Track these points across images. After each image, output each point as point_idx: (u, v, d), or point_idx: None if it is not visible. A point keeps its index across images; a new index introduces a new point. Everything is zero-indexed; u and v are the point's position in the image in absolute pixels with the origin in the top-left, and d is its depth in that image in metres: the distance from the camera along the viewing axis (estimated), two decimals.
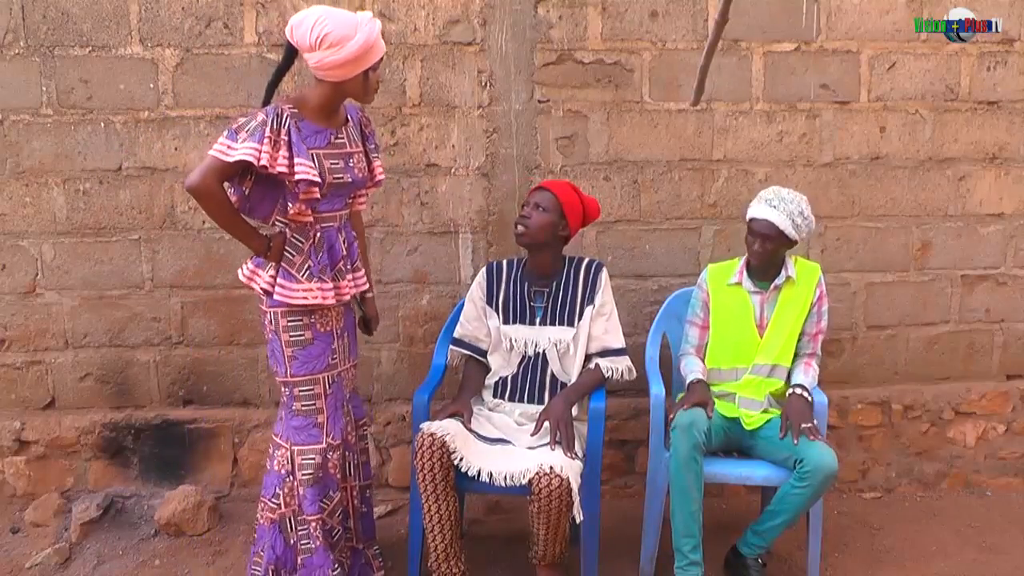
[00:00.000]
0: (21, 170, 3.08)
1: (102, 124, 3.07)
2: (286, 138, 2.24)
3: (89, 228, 3.13)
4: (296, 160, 2.23)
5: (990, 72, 3.24)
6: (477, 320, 2.79)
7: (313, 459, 2.40)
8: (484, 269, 2.83)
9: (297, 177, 2.23)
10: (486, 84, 3.11)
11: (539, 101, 3.13)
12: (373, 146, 2.54)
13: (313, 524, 2.40)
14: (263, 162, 2.20)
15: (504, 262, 2.83)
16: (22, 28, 2.99)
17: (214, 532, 3.06)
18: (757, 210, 2.69)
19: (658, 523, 2.70)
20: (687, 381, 2.74)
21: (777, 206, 2.66)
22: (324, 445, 2.41)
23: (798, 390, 2.66)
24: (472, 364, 2.81)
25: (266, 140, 2.21)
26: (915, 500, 3.34)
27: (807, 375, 2.73)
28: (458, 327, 2.82)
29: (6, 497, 3.23)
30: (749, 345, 2.75)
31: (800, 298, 2.75)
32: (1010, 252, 3.37)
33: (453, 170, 3.16)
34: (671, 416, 2.60)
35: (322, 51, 2.21)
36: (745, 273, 2.79)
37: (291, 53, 2.31)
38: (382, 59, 2.33)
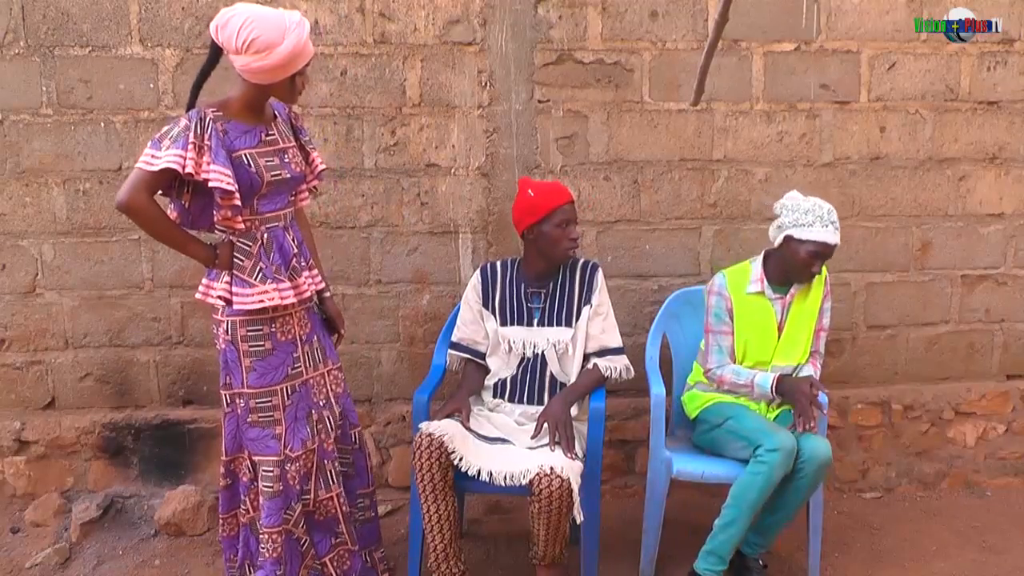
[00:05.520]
0: (21, 170, 3.08)
1: (102, 124, 3.07)
2: (209, 143, 2.16)
3: (89, 228, 3.13)
4: (212, 167, 2.15)
5: (990, 72, 3.24)
6: (474, 323, 2.78)
7: (271, 471, 2.34)
8: (478, 271, 2.82)
9: (211, 184, 2.15)
10: (486, 84, 3.11)
11: (539, 101, 3.13)
12: (307, 138, 2.48)
13: (267, 535, 2.34)
14: (188, 169, 2.12)
15: (498, 263, 2.82)
16: (22, 28, 3.00)
17: (214, 532, 3.04)
18: (825, 235, 2.58)
19: (658, 523, 2.70)
20: (769, 384, 2.63)
21: (838, 227, 2.62)
22: (281, 457, 2.35)
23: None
24: (471, 366, 2.81)
25: (190, 146, 2.13)
26: (915, 500, 3.34)
27: (815, 374, 2.74)
28: (456, 330, 2.82)
29: (6, 497, 3.23)
30: (769, 346, 2.74)
31: (812, 297, 2.75)
32: (1010, 252, 3.37)
33: (453, 170, 3.16)
34: (803, 424, 2.54)
35: (247, 56, 2.14)
36: (766, 281, 2.73)
37: (216, 52, 2.25)
38: (310, 62, 2.26)
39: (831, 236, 2.60)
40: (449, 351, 2.84)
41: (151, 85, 3.05)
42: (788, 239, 2.63)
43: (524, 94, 3.12)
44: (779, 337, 2.74)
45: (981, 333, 3.42)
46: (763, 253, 2.78)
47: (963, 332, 3.41)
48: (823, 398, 2.63)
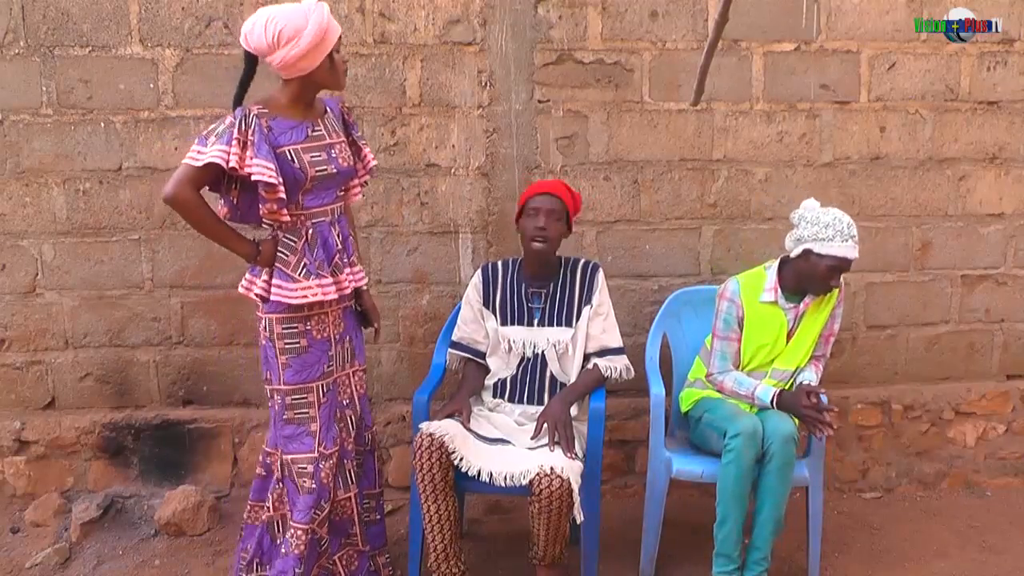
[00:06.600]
0: (21, 170, 3.08)
1: (102, 124, 3.07)
2: (253, 138, 2.21)
3: (89, 228, 3.13)
4: (255, 160, 2.19)
5: (990, 72, 3.24)
6: (474, 323, 2.79)
7: (306, 468, 2.36)
8: (479, 271, 2.82)
9: (254, 177, 2.19)
10: (486, 84, 3.11)
11: (539, 101, 3.13)
12: (359, 134, 2.52)
13: (295, 531, 2.36)
14: (232, 164, 2.17)
15: (499, 263, 2.82)
16: (22, 28, 3.00)
17: (214, 532, 3.06)
18: (846, 250, 2.54)
19: (658, 523, 2.70)
20: (769, 398, 2.60)
21: (858, 240, 2.58)
22: (316, 454, 2.37)
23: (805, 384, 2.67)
24: (472, 366, 2.81)
25: (234, 142, 2.19)
26: (915, 500, 3.34)
27: (815, 376, 2.73)
28: (456, 330, 2.82)
29: (6, 497, 3.23)
30: (775, 352, 2.72)
31: (825, 306, 2.72)
32: (1010, 252, 3.37)
33: (453, 170, 3.16)
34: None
35: (282, 49, 2.19)
36: (779, 291, 2.69)
37: (252, 61, 2.29)
38: (340, 39, 2.31)
39: (851, 251, 2.56)
40: (449, 350, 2.84)
41: (151, 85, 3.05)
42: (807, 252, 2.59)
43: (524, 94, 3.12)
44: (787, 344, 2.72)
45: (981, 333, 3.42)
46: (779, 260, 2.74)
47: (963, 332, 3.41)
48: (824, 399, 2.62)
